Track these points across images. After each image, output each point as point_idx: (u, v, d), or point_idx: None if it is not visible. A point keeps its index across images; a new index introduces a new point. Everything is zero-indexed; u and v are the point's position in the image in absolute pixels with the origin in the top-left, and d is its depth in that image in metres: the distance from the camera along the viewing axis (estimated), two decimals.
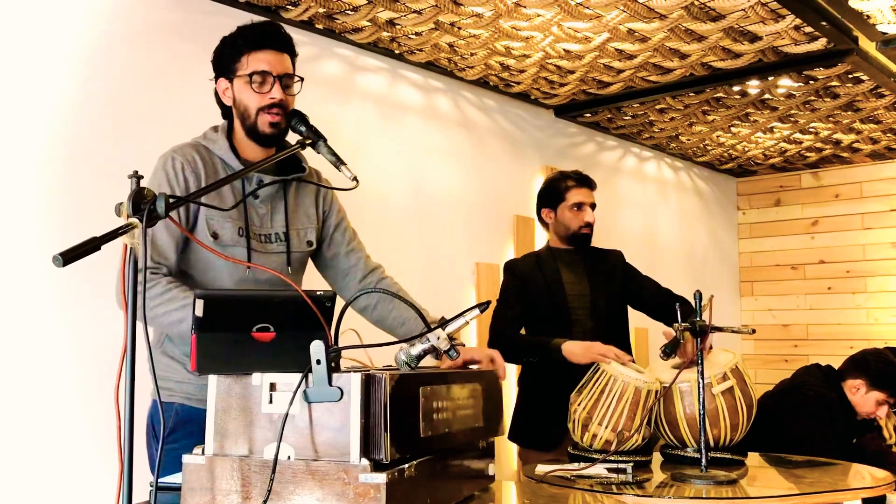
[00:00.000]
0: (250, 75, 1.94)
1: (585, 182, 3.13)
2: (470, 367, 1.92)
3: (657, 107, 4.42)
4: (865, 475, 2.53)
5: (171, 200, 1.32)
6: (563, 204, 3.10)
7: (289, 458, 1.37)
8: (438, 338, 1.61)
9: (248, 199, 1.98)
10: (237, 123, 2.01)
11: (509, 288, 3.09)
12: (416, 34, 3.33)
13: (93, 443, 2.42)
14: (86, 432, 2.42)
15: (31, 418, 2.36)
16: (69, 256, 1.19)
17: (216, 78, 2.03)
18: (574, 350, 2.74)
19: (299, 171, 2.08)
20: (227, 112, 2.06)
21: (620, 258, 3.22)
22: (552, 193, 3.15)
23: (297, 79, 2.01)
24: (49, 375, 2.40)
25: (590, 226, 3.08)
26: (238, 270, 1.95)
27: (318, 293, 1.45)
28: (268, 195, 2.02)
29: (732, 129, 4.87)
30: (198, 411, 1.85)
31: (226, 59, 1.99)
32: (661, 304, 3.06)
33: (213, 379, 1.44)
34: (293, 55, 2.03)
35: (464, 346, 2.01)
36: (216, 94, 2.05)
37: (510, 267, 3.16)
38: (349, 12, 3.11)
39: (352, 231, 2.24)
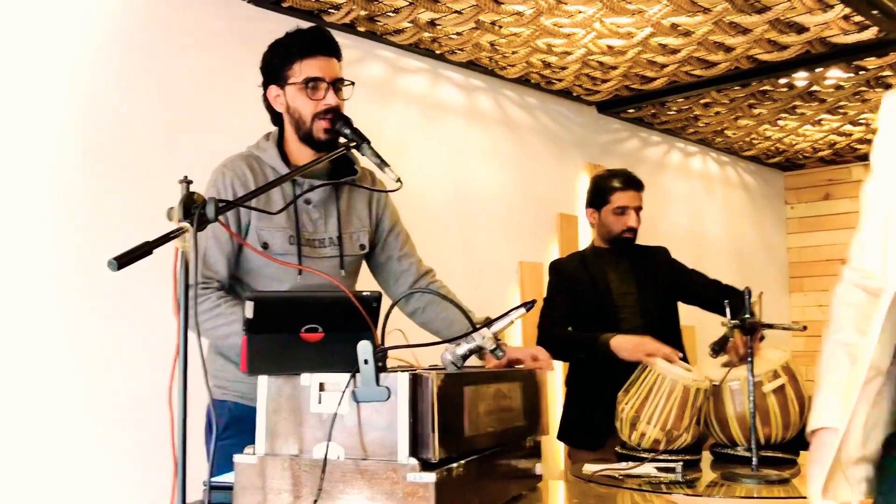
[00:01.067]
0: (304, 82, 1.97)
1: (631, 184, 3.03)
2: (515, 366, 1.92)
3: (702, 101, 4.36)
4: None
5: (220, 205, 1.34)
6: (607, 207, 3.03)
7: (338, 457, 1.39)
8: (484, 337, 1.62)
9: (300, 205, 2.00)
10: (289, 129, 2.04)
11: (556, 288, 3.08)
12: (457, 34, 3.33)
13: (145, 441, 2.47)
14: (139, 432, 2.47)
15: (85, 419, 2.41)
16: (123, 260, 1.22)
17: (266, 85, 2.06)
18: (623, 345, 2.70)
19: (351, 174, 2.09)
20: (277, 119, 2.08)
21: (666, 255, 3.18)
22: (596, 194, 3.09)
23: (347, 83, 2.04)
24: (105, 375, 2.46)
25: (632, 230, 3.02)
26: (291, 276, 1.97)
27: (365, 294, 1.46)
28: (320, 200, 2.04)
29: (779, 122, 4.78)
30: (250, 409, 1.88)
31: (277, 67, 2.02)
32: (713, 296, 3.02)
33: (262, 380, 1.46)
34: (340, 59, 2.05)
35: (507, 345, 2.01)
36: (265, 100, 2.07)
37: (556, 267, 3.14)
38: (390, 14, 3.12)
39: (405, 235, 2.25)
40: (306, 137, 2.00)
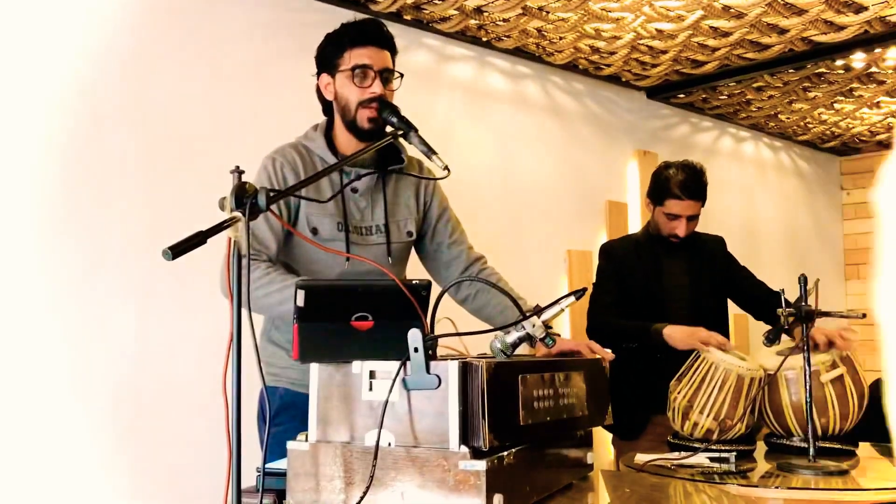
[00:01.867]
0: (352, 69, 1.98)
1: (688, 193, 2.84)
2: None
3: (754, 85, 4.26)
4: None
5: (271, 194, 1.35)
6: (661, 208, 2.91)
7: (389, 444, 1.39)
8: (534, 325, 1.60)
9: (347, 193, 2.01)
10: (337, 119, 2.05)
11: (606, 272, 3.01)
12: (504, 20, 3.31)
13: (204, 427, 2.51)
14: (198, 418, 2.52)
15: (141, 405, 2.47)
16: (177, 250, 1.24)
17: (318, 74, 2.08)
18: (676, 335, 2.66)
19: (398, 163, 2.10)
20: (328, 108, 2.10)
21: (722, 246, 3.10)
22: (655, 189, 2.95)
23: (396, 74, 2.04)
24: (162, 365, 2.51)
25: (678, 238, 2.89)
26: (339, 263, 1.99)
27: (414, 282, 1.46)
28: (367, 188, 2.05)
29: (835, 105, 4.66)
30: (301, 396, 1.90)
31: (328, 55, 2.04)
32: (757, 297, 2.96)
33: (314, 367, 1.47)
34: (394, 53, 2.06)
35: (559, 335, 1.99)
36: (318, 89, 2.09)
37: (607, 250, 3.07)
38: (437, 2, 3.11)
39: (455, 221, 2.25)
40: (351, 125, 2.02)
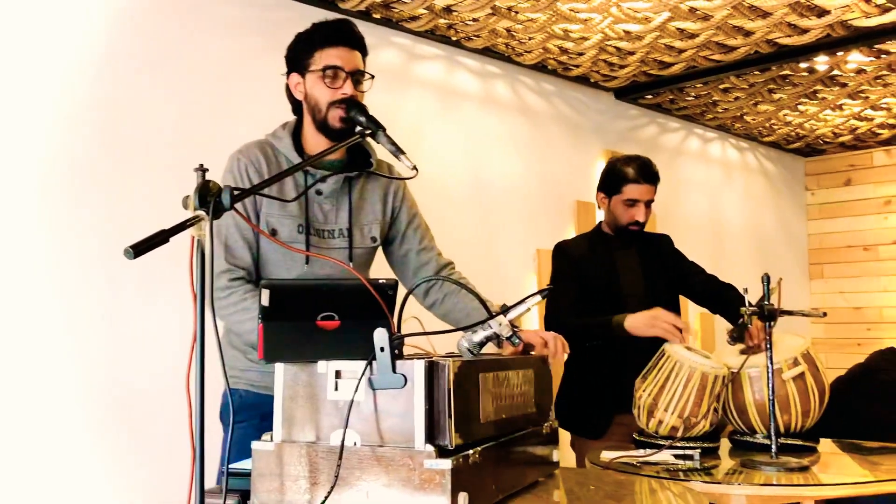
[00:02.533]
0: (323, 70, 1.97)
1: (645, 177, 2.91)
2: (530, 353, 1.92)
3: (721, 86, 4.31)
4: None
5: (235, 193, 1.34)
6: (618, 196, 2.94)
7: (355, 444, 1.39)
8: (500, 324, 1.61)
9: (312, 195, 2.00)
10: (307, 119, 2.04)
11: (563, 271, 2.99)
12: (473, 20, 3.31)
13: (163, 430, 2.49)
14: (158, 421, 2.50)
15: (100, 409, 2.44)
16: (139, 249, 1.22)
17: (288, 73, 2.07)
18: (637, 323, 2.66)
19: (365, 166, 2.10)
20: (297, 108, 2.09)
21: (670, 243, 3.14)
22: (609, 180, 2.99)
23: (367, 76, 2.04)
24: (122, 364, 2.48)
25: (639, 224, 2.93)
26: (296, 266, 1.98)
27: (381, 281, 1.46)
28: (332, 191, 2.04)
29: (800, 107, 4.73)
30: (261, 397, 1.91)
31: (299, 55, 2.02)
32: (709, 290, 2.99)
33: (279, 367, 1.47)
34: (365, 54, 2.05)
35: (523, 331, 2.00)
36: (287, 89, 2.08)
37: (562, 249, 3.04)
38: (406, 1, 3.11)
39: (424, 227, 2.24)
40: (322, 126, 2.01)
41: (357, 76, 2.00)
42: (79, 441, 2.39)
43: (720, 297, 2.94)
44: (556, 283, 3.00)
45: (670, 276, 3.04)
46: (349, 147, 2.09)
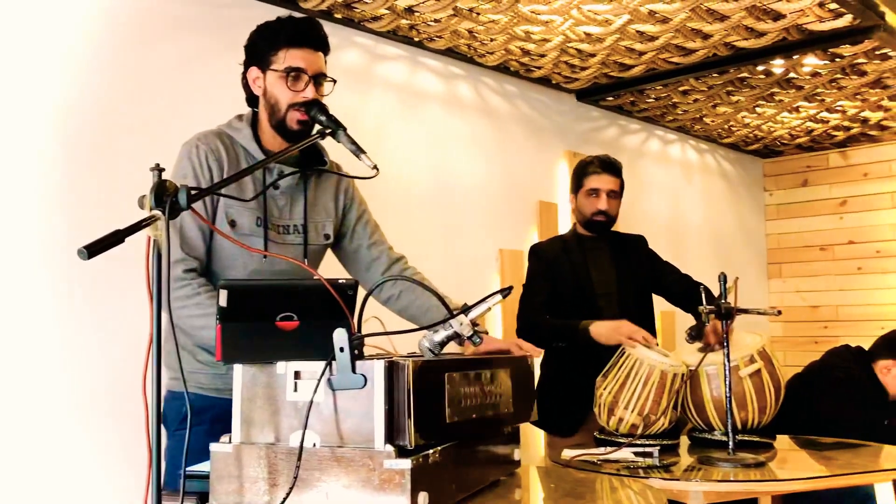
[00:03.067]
0: (286, 71, 1.96)
1: (605, 168, 3.04)
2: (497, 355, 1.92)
3: (680, 88, 4.37)
4: None
5: (192, 192, 1.33)
6: (582, 190, 3.05)
7: (314, 445, 1.39)
8: (461, 324, 1.62)
9: (268, 191, 1.99)
10: (263, 114, 2.03)
11: (536, 272, 3.06)
12: (436, 21, 3.32)
13: (114, 432, 2.46)
14: (109, 423, 2.46)
15: (48, 411, 2.40)
16: (94, 249, 1.21)
17: (247, 65, 2.04)
18: (602, 332, 2.72)
19: (320, 164, 2.09)
20: (252, 100, 2.07)
21: (644, 244, 3.19)
22: (574, 178, 3.13)
23: (329, 80, 2.03)
24: (72, 367, 2.44)
25: (603, 213, 3.00)
26: (253, 260, 1.97)
27: (341, 281, 1.46)
28: (288, 186, 2.03)
29: (757, 109, 4.81)
30: (211, 400, 1.88)
31: (261, 49, 2.00)
32: (683, 290, 3.05)
33: (238, 368, 1.46)
34: (327, 54, 2.04)
35: (486, 333, 2.01)
36: (244, 80, 2.05)
37: (536, 251, 3.13)
38: (367, 1, 3.10)
39: (374, 224, 2.25)
40: (279, 126, 2.00)
41: (319, 79, 2.00)
42: (67, 438, 2.35)
43: (693, 297, 2.99)
44: (529, 282, 3.05)
45: (643, 276, 3.09)
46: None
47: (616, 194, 3.05)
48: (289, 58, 1.96)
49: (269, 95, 2.00)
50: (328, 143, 2.00)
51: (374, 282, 2.16)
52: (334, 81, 2.04)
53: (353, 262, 2.23)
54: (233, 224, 1.94)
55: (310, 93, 1.96)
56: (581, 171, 3.09)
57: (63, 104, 2.47)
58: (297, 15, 2.07)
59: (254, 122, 2.05)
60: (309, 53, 1.98)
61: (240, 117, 2.06)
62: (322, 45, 2.02)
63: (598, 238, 3.09)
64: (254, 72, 2.03)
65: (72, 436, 2.41)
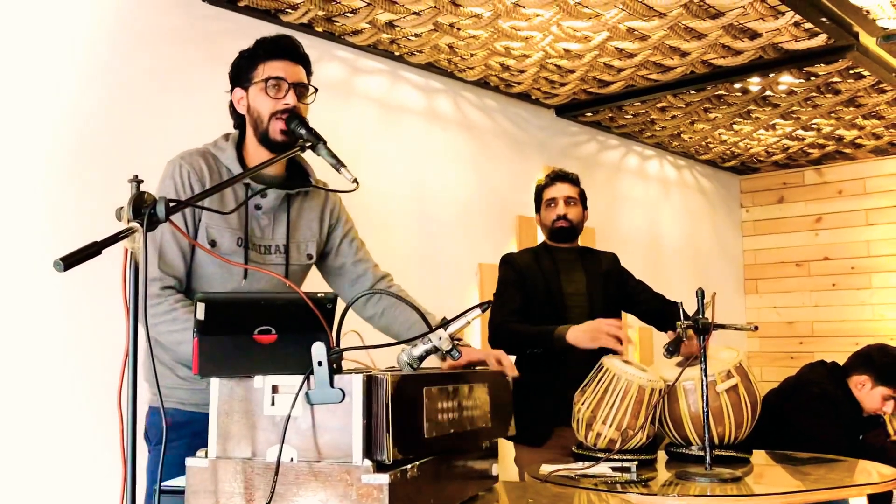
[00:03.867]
0: (266, 80, 1.97)
1: (557, 178, 3.14)
2: (477, 368, 1.92)
3: (658, 105, 4.41)
4: (871, 472, 2.52)
5: (171, 205, 1.32)
6: (542, 203, 3.15)
7: (292, 459, 1.37)
8: (440, 338, 1.61)
9: (250, 210, 1.99)
10: (249, 132, 2.03)
11: (508, 280, 3.05)
12: (416, 35, 3.33)
13: (96, 446, 2.42)
14: (88, 436, 2.43)
15: (33, 422, 2.36)
16: (70, 261, 1.20)
17: (232, 88, 2.06)
18: (579, 335, 2.70)
19: (305, 185, 2.09)
20: (239, 123, 2.08)
21: (616, 261, 3.21)
22: (535, 199, 3.21)
23: (311, 89, 2.03)
24: (50, 379, 2.41)
25: (563, 218, 3.06)
26: (233, 280, 1.96)
27: (319, 295, 1.45)
28: (271, 207, 2.03)
29: (734, 126, 4.87)
30: (192, 415, 1.87)
31: (242, 69, 2.03)
32: (654, 308, 3.07)
33: (215, 382, 1.44)
34: (309, 71, 2.06)
35: (469, 346, 2.01)
36: (231, 105, 2.07)
37: (507, 260, 3.13)
38: (348, 15, 3.11)
39: (360, 242, 2.26)
40: (263, 137, 2.00)
41: (300, 89, 2.00)
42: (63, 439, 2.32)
43: (665, 315, 3.01)
44: (500, 290, 3.06)
45: (614, 289, 3.10)
46: (288, 164, 2.09)
47: (574, 201, 3.11)
48: (268, 69, 1.99)
49: (252, 110, 2.01)
50: (313, 161, 2.00)
51: (354, 296, 2.16)
52: (316, 90, 2.04)
53: (338, 278, 2.23)
54: (213, 244, 1.93)
55: (290, 100, 1.97)
56: (538, 190, 3.20)
57: (43, 115, 2.45)
58: (275, 29, 2.08)
59: (239, 144, 2.05)
60: (287, 64, 2.00)
61: (226, 137, 2.07)
62: (300, 57, 2.04)
63: (570, 250, 3.11)
64: (238, 92, 2.04)
65: (69, 441, 2.38)
